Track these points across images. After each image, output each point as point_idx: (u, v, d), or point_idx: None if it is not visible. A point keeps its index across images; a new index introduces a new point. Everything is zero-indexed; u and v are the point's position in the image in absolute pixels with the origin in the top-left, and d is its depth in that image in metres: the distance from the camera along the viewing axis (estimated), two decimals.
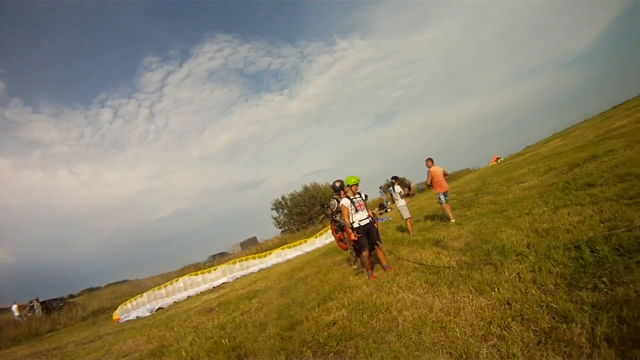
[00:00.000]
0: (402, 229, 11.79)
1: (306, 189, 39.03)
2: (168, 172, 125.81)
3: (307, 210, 36.55)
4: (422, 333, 3.87)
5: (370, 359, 3.74)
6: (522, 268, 4.57)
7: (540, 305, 3.49)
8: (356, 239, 7.26)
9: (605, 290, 3.33)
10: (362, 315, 5.11)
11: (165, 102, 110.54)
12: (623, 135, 13.28)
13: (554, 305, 3.38)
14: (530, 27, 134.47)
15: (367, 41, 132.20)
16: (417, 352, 3.52)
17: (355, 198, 7.37)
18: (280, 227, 38.62)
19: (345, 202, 7.34)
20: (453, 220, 10.09)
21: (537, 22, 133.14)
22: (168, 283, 18.71)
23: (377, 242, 7.42)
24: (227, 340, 6.03)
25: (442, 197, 10.56)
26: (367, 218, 7.37)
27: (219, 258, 38.14)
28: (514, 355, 2.91)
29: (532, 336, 3.10)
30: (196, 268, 26.39)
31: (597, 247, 4.26)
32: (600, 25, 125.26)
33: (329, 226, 21.59)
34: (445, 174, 10.72)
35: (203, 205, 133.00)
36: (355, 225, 7.27)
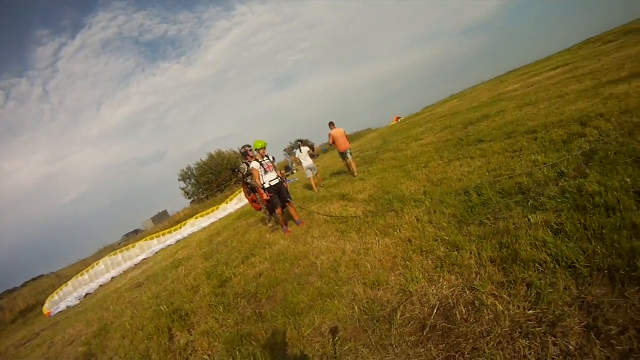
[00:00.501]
0: (310, 187, 12.15)
1: (211, 156, 37.93)
2: (68, 154, 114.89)
3: (214, 178, 35.78)
4: (339, 272, 4.25)
5: (298, 297, 4.03)
6: (419, 212, 5.10)
7: (436, 240, 3.98)
8: (268, 198, 7.52)
9: (490, 224, 3.85)
10: (284, 264, 5.40)
11: (59, 78, 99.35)
12: (514, 98, 14.58)
13: (447, 239, 3.87)
14: None
15: (267, 6, 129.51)
16: (337, 287, 3.90)
17: (263, 161, 7.59)
18: (189, 198, 37.51)
19: (255, 164, 7.52)
20: (357, 175, 10.82)
21: None
22: (90, 268, 17.55)
23: (288, 199, 7.76)
24: (165, 307, 5.99)
25: (347, 154, 11.25)
26: (277, 178, 7.67)
27: (134, 236, 36.57)
28: (416, 278, 3.38)
29: (430, 263, 3.59)
30: (112, 249, 24.91)
31: (484, 192, 4.83)
32: None
33: (238, 191, 21.53)
34: (346, 135, 11.37)
35: (108, 184, 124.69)
36: (267, 185, 7.54)
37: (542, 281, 2.65)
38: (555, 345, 2.14)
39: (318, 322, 3.43)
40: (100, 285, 15.82)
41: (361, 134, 44.44)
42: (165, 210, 42.94)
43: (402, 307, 3.08)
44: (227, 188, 32.60)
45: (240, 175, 9.05)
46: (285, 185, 7.97)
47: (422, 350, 2.57)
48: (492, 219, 3.97)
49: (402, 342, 2.72)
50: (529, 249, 3.05)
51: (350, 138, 13.35)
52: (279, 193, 7.63)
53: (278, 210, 7.59)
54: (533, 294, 2.57)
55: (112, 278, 16.24)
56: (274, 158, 7.98)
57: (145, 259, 17.18)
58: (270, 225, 8.66)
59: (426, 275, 3.40)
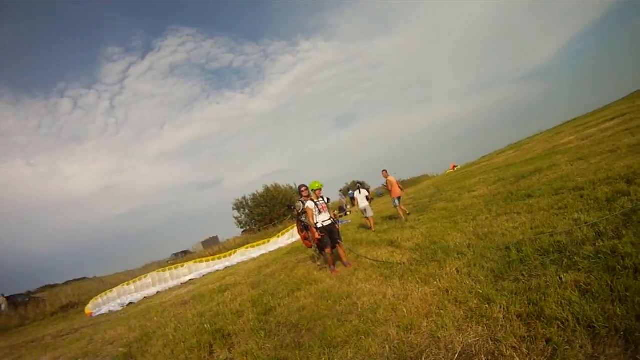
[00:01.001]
0: (362, 229, 12.74)
1: (267, 189, 39.14)
2: (127, 168, 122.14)
3: (268, 210, 36.74)
4: (377, 313, 4.60)
5: (336, 332, 4.42)
6: (460, 264, 5.39)
7: (471, 292, 4.27)
8: (320, 237, 7.99)
9: (523, 281, 4.10)
10: (327, 301, 5.80)
11: (125, 94, 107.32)
12: (568, 151, 14.56)
13: (481, 292, 4.15)
14: (491, 40, 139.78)
15: (331, 43, 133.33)
16: (373, 327, 4.26)
17: (318, 201, 8.16)
18: (241, 227, 38.65)
19: (309, 204, 8.12)
20: (404, 219, 11.82)
21: (498, 35, 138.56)
22: (137, 279, 18.72)
23: (339, 240, 8.19)
24: (208, 325, 6.51)
25: (396, 201, 12.35)
26: (330, 219, 8.16)
27: (182, 256, 37.98)
28: (446, 325, 3.70)
29: (462, 313, 3.89)
30: (160, 266, 26.31)
31: (523, 248, 5.06)
32: (559, 43, 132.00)
33: (291, 226, 22.17)
34: (398, 183, 12.58)
35: (162, 202, 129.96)
36: (319, 225, 8.03)
37: (561, 338, 2.90)
38: None
39: (350, 356, 3.79)
40: (145, 297, 16.69)
41: (418, 180, 44.52)
42: (216, 236, 44.30)
43: (428, 350, 3.41)
44: (280, 222, 33.35)
45: (295, 213, 9.57)
46: (337, 227, 8.43)
47: None
48: (526, 275, 4.21)
49: None
50: (555, 307, 3.30)
51: (407, 183, 14.42)
52: (330, 233, 8.09)
53: (328, 250, 8.03)
54: (550, 350, 2.83)
55: (157, 292, 17.11)
56: (328, 199, 8.55)
57: (192, 279, 17.98)
58: (319, 263, 9.09)
59: (456, 323, 3.70)
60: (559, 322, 3.09)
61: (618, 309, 2.96)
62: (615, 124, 17.34)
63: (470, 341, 3.32)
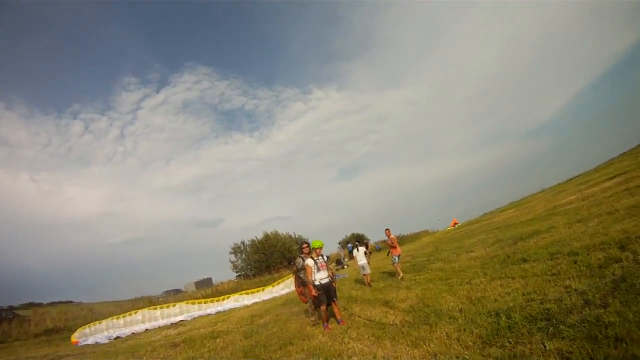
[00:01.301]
0: (358, 285, 12.72)
1: (267, 236, 38.70)
2: (129, 198, 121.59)
3: (265, 258, 36.39)
4: None
5: None
6: (451, 329, 5.44)
7: (458, 357, 4.30)
8: (316, 294, 8.06)
9: (509, 348, 4.17)
10: (318, 359, 5.81)
11: (137, 125, 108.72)
12: (567, 212, 14.76)
13: (468, 357, 4.21)
14: (497, 95, 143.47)
15: (342, 93, 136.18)
16: None
17: (318, 259, 8.32)
18: (237, 272, 38.13)
19: (309, 262, 8.29)
20: (401, 276, 12.38)
21: (504, 90, 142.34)
22: (127, 314, 18.36)
23: (334, 298, 8.24)
24: None
25: (396, 258, 12.93)
26: (327, 277, 8.25)
27: (174, 294, 37.32)
28: None
29: None
30: (150, 302, 25.77)
31: (513, 315, 5.13)
32: (563, 98, 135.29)
33: (286, 276, 22.00)
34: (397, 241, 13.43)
35: (159, 237, 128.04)
36: (317, 283, 8.13)
37: None
38: None
39: None
40: (133, 333, 16.27)
41: (417, 236, 44.53)
42: (210, 278, 43.62)
43: None
44: (276, 271, 32.98)
45: (295, 269, 9.72)
46: (334, 285, 8.50)
47: None
48: (512, 342, 4.27)
49: None
50: None
51: (406, 239, 14.99)
52: (327, 291, 8.16)
53: (323, 307, 8.06)
54: None
55: (146, 329, 16.65)
56: (327, 257, 8.70)
57: (182, 320, 17.60)
58: (313, 318, 9.02)
59: None
60: None
61: None
62: (615, 182, 17.67)
63: None
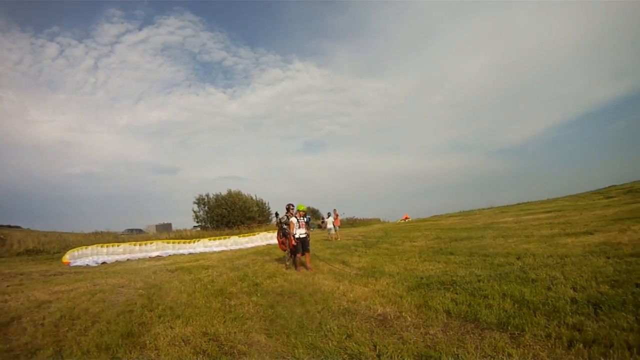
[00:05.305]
0: (320, 247, 15.57)
1: (230, 193, 40.64)
2: (92, 131, 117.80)
3: (227, 213, 38.32)
4: (334, 294, 7.23)
5: (310, 299, 6.93)
6: (389, 281, 8.07)
7: (392, 292, 6.82)
8: (295, 244, 10.61)
9: (424, 294, 6.66)
10: (298, 285, 8.35)
11: (112, 58, 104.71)
12: (499, 229, 17.68)
13: (398, 293, 6.71)
14: (473, 107, 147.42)
15: (322, 70, 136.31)
16: (332, 299, 6.86)
17: (300, 219, 10.86)
18: (197, 222, 40.03)
19: (293, 220, 10.82)
20: (339, 239, 21.35)
21: (481, 105, 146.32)
22: (109, 245, 19.98)
23: (308, 249, 10.84)
24: (210, 286, 8.63)
25: (337, 228, 22.76)
26: (305, 234, 10.85)
27: (137, 233, 38.64)
28: (374, 303, 6.33)
29: (384, 300, 6.53)
30: (115, 237, 27.22)
31: (431, 279, 7.74)
32: (534, 129, 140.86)
33: (251, 233, 24.28)
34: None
35: (116, 175, 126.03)
36: (297, 236, 10.69)
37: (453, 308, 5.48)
38: None
39: (319, 308, 6.28)
40: (117, 261, 17.97)
41: (369, 222, 48.21)
42: (170, 223, 45.03)
43: (362, 311, 6.02)
44: (236, 227, 35.10)
45: (278, 220, 11.93)
46: (308, 240, 11.06)
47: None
48: (426, 291, 6.84)
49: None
50: (437, 305, 5.88)
51: (358, 223, 18.74)
52: (303, 244, 10.76)
53: (298, 255, 10.66)
54: (435, 316, 5.40)
55: (128, 259, 18.58)
56: (309, 218, 11.15)
57: (159, 256, 19.47)
58: (288, 263, 11.38)
59: (379, 303, 6.34)
60: (436, 308, 5.65)
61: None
62: (548, 216, 20.82)
63: (387, 310, 5.87)
